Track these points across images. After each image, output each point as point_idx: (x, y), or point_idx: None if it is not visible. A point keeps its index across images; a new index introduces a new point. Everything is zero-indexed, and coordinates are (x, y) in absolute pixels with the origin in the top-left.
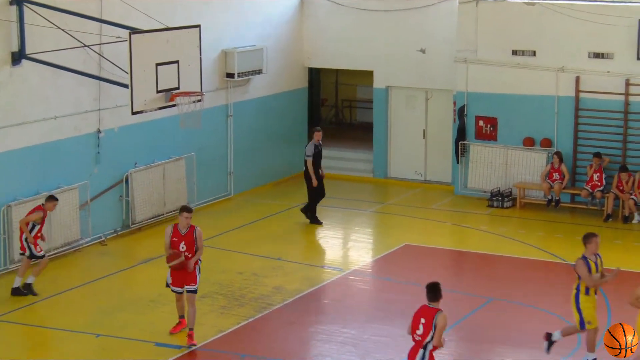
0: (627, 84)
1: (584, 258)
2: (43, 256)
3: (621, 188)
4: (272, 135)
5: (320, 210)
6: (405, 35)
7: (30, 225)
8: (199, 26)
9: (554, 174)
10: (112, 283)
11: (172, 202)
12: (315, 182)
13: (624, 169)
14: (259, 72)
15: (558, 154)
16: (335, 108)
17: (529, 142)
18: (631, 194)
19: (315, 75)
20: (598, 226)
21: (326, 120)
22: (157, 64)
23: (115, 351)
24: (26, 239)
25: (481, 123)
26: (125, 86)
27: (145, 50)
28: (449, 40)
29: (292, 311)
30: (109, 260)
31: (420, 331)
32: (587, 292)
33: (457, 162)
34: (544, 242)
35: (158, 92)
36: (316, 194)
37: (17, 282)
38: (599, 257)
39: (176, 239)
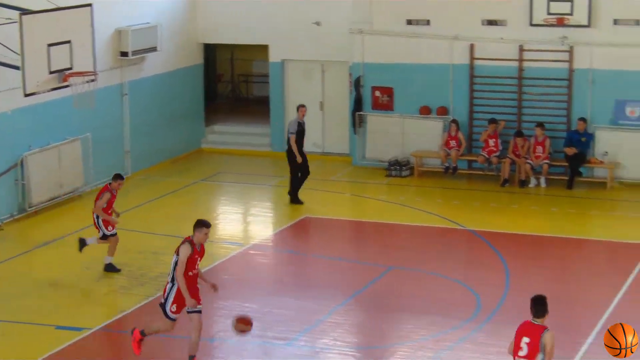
0: (521, 49)
1: None
2: (114, 234)
3: (517, 153)
4: (169, 113)
5: (220, 187)
6: (300, 8)
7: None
8: (90, 5)
9: (450, 141)
10: (10, 268)
11: (69, 183)
12: (299, 159)
13: (519, 134)
14: (154, 49)
15: (455, 121)
16: (231, 83)
17: (425, 111)
18: (527, 159)
19: (211, 52)
20: (495, 191)
21: (223, 96)
22: (49, 45)
23: (15, 336)
24: (98, 219)
25: (377, 93)
26: (17, 68)
27: (37, 31)
28: (344, 12)
29: None
30: (6, 245)
31: (523, 352)
32: None
33: (355, 133)
34: (442, 209)
35: (51, 73)
36: (301, 172)
37: (109, 260)
38: None
39: (196, 256)
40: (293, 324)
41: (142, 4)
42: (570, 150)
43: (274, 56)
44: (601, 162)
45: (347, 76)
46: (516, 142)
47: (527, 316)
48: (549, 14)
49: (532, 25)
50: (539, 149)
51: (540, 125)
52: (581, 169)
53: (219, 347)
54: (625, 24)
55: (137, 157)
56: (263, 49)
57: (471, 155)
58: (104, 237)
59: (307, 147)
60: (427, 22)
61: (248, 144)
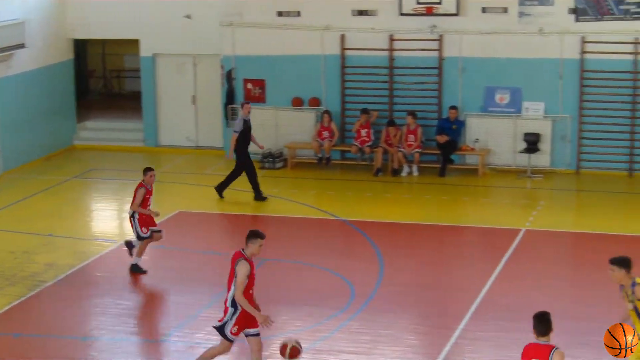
0: (391, 39)
1: None
2: (149, 236)
3: (389, 142)
4: (40, 110)
5: (93, 183)
6: (170, 1)
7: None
8: None
9: (323, 132)
10: None
11: None
12: (231, 157)
13: (391, 123)
14: (22, 46)
15: (327, 112)
16: (103, 79)
17: (297, 102)
18: (399, 147)
19: (82, 47)
20: (369, 181)
21: (95, 92)
22: None
23: None
24: (134, 220)
25: (249, 86)
26: None
27: None
28: (215, 4)
29: (66, 287)
30: None
31: None
32: None
33: (228, 126)
34: (316, 200)
35: None
36: (247, 170)
37: (136, 260)
38: None
39: (254, 272)
40: (167, 320)
41: (8, 0)
42: (442, 138)
43: (144, 50)
44: (472, 149)
45: (219, 69)
46: (388, 132)
47: (399, 303)
48: (419, 3)
49: (401, 14)
50: (411, 137)
51: (411, 114)
52: (453, 157)
53: (92, 346)
54: (494, 11)
55: (9, 155)
56: (134, 43)
57: (344, 145)
58: (139, 239)
59: (181, 141)
60: (298, 13)
61: (121, 140)
